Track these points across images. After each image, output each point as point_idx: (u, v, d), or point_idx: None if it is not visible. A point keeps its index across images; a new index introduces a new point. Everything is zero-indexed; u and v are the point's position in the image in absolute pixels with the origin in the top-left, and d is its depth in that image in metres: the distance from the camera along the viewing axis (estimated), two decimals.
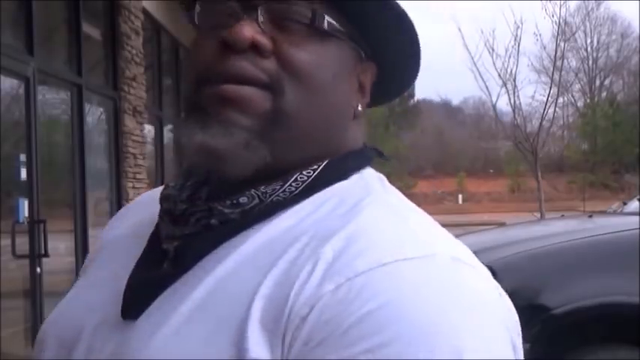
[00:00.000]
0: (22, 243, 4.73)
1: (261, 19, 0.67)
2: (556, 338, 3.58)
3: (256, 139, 0.66)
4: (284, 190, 0.68)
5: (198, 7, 0.70)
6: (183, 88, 0.70)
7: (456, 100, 59.38)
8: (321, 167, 0.70)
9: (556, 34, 18.72)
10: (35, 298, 4.89)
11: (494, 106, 21.83)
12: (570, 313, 3.54)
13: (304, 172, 0.69)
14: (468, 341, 0.56)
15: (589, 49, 45.97)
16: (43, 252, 4.83)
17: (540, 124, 18.10)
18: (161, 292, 0.66)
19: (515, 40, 18.51)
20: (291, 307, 0.58)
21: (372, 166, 0.77)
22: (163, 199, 0.73)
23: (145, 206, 0.83)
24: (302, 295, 0.58)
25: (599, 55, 46.73)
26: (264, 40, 0.66)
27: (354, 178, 0.72)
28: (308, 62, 0.68)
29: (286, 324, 0.58)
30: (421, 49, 0.75)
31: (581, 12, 38.57)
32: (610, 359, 3.54)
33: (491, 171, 43.21)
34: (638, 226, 3.85)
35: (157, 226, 0.74)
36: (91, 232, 5.89)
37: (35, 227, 4.79)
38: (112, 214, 6.11)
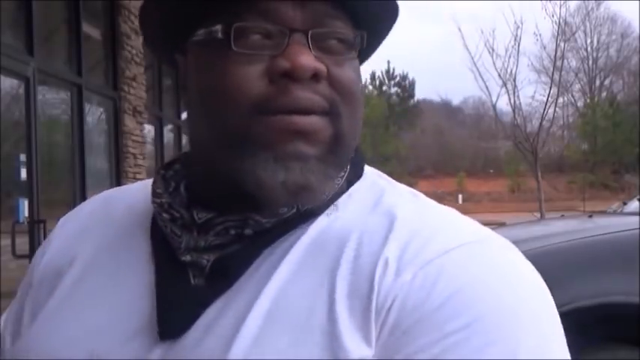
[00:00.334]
0: (22, 243, 4.73)
1: (311, 43, 0.65)
2: None
3: (329, 167, 0.66)
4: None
5: (233, 32, 0.65)
6: (216, 113, 0.65)
7: (456, 100, 59.54)
8: (347, 172, 0.72)
9: (556, 34, 18.80)
10: None
11: (494, 106, 21.90)
12: (570, 313, 3.52)
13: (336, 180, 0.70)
14: (540, 308, 0.64)
15: (589, 49, 46.08)
16: None
17: (540, 124, 18.15)
18: (204, 308, 0.64)
19: (515, 40, 18.59)
20: (375, 302, 0.61)
21: (373, 167, 0.79)
22: (164, 207, 0.71)
23: (97, 219, 0.80)
24: (382, 289, 0.61)
25: (599, 55, 46.87)
26: (322, 67, 0.65)
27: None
28: (353, 81, 0.68)
29: (375, 318, 0.60)
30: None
31: (581, 12, 38.62)
32: (610, 359, 3.54)
33: (491, 171, 43.24)
34: (638, 226, 3.85)
35: (155, 237, 0.72)
36: None
37: (35, 227, 4.79)
38: None
